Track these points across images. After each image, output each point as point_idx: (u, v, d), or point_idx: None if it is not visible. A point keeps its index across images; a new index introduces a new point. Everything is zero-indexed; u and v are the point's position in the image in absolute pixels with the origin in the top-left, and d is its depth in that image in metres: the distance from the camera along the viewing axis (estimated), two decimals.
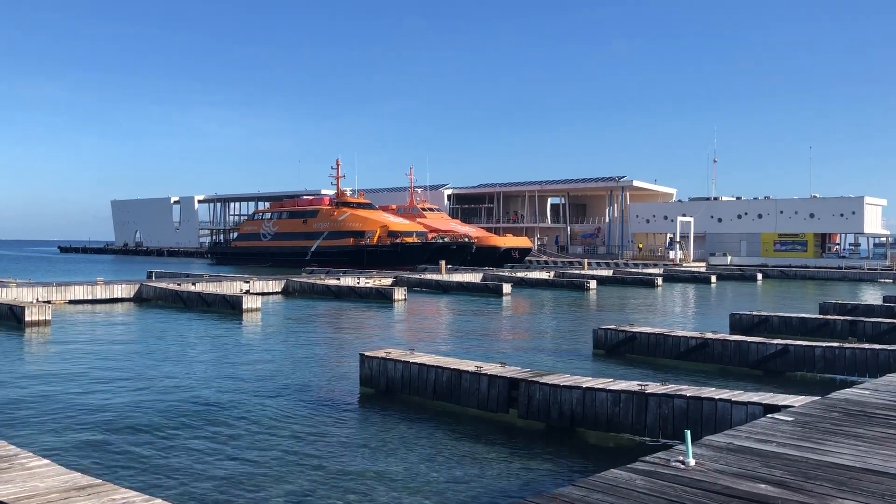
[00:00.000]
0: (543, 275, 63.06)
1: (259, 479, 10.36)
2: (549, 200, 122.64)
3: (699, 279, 67.79)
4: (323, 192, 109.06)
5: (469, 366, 15.00)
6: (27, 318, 27.76)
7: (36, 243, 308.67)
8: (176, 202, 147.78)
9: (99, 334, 26.77)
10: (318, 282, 46.91)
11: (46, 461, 8.63)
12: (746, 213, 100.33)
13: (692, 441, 7.67)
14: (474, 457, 11.65)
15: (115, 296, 39.53)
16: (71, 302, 37.49)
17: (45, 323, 28.08)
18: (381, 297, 42.25)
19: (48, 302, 33.34)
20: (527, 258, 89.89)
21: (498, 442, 12.52)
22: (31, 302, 31.29)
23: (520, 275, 61.24)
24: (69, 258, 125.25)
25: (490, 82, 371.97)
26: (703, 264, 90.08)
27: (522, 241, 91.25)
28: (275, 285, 46.51)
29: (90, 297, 38.61)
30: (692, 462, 7.45)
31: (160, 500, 7.26)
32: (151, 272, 52.77)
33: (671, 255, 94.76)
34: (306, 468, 10.91)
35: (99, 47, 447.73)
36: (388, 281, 52.06)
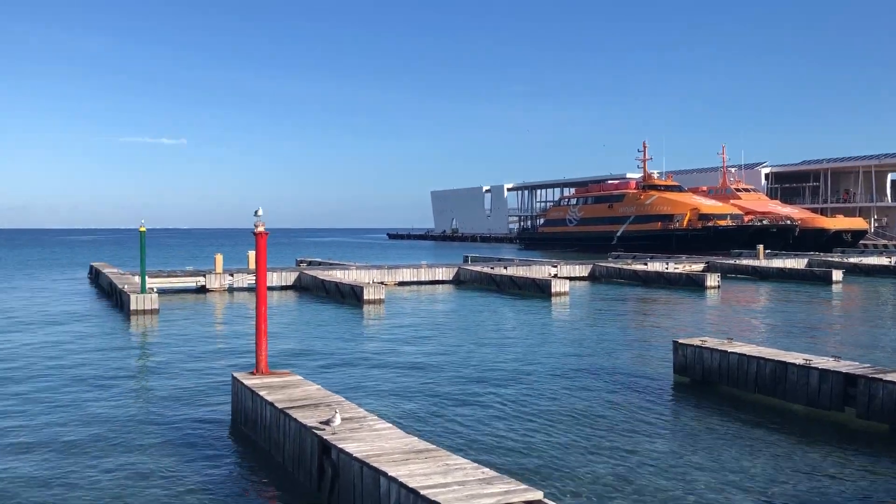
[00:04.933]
0: (883, 260, 55.60)
1: (573, 460, 10.63)
2: (889, 176, 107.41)
3: None
4: (628, 175, 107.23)
5: (796, 358, 13.83)
6: (365, 297, 31.44)
7: (368, 231, 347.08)
8: (487, 191, 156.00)
9: (424, 312, 29.37)
10: (626, 267, 46.43)
11: (388, 424, 9.74)
12: None
13: None
14: (801, 457, 10.74)
15: (437, 278, 43.00)
16: (400, 283, 41.59)
17: (380, 301, 31.54)
18: (692, 284, 40.53)
19: (382, 283, 37.35)
20: (861, 242, 79.84)
21: (830, 443, 11.39)
22: (368, 283, 35.32)
23: (853, 260, 54.54)
24: (396, 244, 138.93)
25: (821, 50, 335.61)
26: None
27: (856, 223, 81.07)
28: (581, 270, 47.00)
29: (416, 279, 42.48)
30: None
31: (488, 469, 7.81)
32: (467, 257, 56.38)
33: None
34: (619, 451, 10.94)
35: (417, 52, 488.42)
36: (699, 266, 49.76)
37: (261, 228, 13.27)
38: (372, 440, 8.82)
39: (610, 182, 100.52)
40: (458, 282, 42.68)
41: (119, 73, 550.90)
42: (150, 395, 15.04)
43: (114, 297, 32.21)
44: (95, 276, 43.49)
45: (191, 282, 37.19)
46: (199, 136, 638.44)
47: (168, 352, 20.07)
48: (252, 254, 41.23)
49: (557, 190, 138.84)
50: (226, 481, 9.91)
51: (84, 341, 21.93)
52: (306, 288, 38.05)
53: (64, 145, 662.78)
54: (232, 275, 37.90)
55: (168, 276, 36.96)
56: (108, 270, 39.84)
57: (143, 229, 29.93)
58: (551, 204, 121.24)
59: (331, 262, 50.32)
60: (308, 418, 9.74)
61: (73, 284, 43.64)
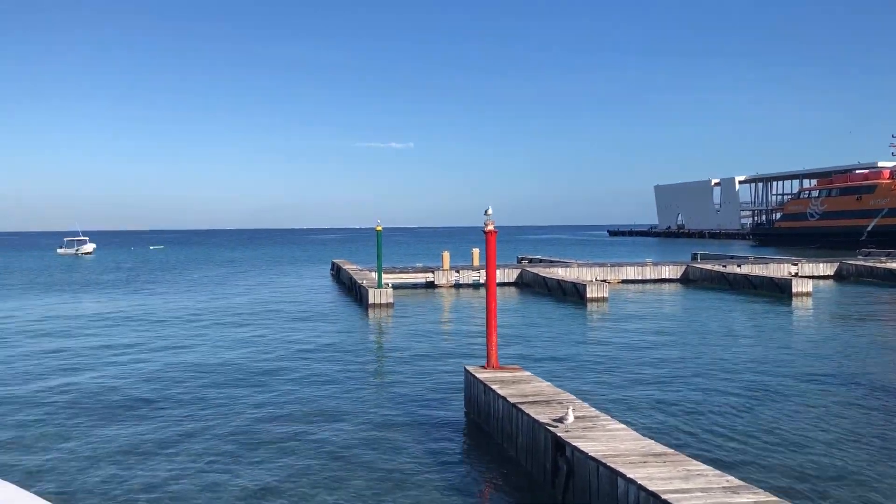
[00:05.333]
0: None
1: (824, 472, 9.77)
2: None
3: None
4: (880, 164, 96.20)
5: None
6: (588, 295, 31.15)
7: (587, 228, 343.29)
8: (716, 184, 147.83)
9: (650, 312, 28.48)
10: (879, 265, 41.75)
11: (622, 425, 9.57)
12: None
13: None
14: None
15: (663, 276, 41.53)
16: (623, 281, 40.70)
17: (603, 300, 31.08)
18: None
19: (604, 281, 36.78)
20: None
21: None
22: (591, 281, 34.96)
23: None
24: (618, 241, 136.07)
25: None
26: None
27: None
28: (826, 268, 43.04)
29: (640, 278, 41.35)
30: None
31: (733, 477, 7.41)
32: (696, 254, 53.87)
33: None
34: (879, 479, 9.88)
35: (640, 41, 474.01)
36: None
37: (490, 227, 13.62)
38: (606, 440, 8.72)
39: (858, 172, 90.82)
40: (687, 280, 40.90)
41: (353, 83, 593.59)
42: (391, 380, 16.06)
43: (353, 292, 34.77)
44: (337, 272, 47.22)
45: (420, 278, 39.12)
46: (425, 139, 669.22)
47: (404, 343, 21.30)
48: (477, 251, 42.47)
49: (795, 182, 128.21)
50: (461, 469, 10.32)
51: (329, 331, 23.90)
52: (528, 284, 38.49)
53: (309, 151, 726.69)
54: (458, 271, 39.32)
55: (400, 273, 39.17)
56: (348, 267, 43.07)
57: (379, 228, 31.98)
58: (789, 197, 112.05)
59: (552, 259, 50.50)
60: (540, 414, 9.85)
61: (318, 279, 47.72)
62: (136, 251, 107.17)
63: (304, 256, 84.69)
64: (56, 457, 11.00)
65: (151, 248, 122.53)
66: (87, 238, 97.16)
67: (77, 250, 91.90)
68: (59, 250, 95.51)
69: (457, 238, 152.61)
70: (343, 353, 19.68)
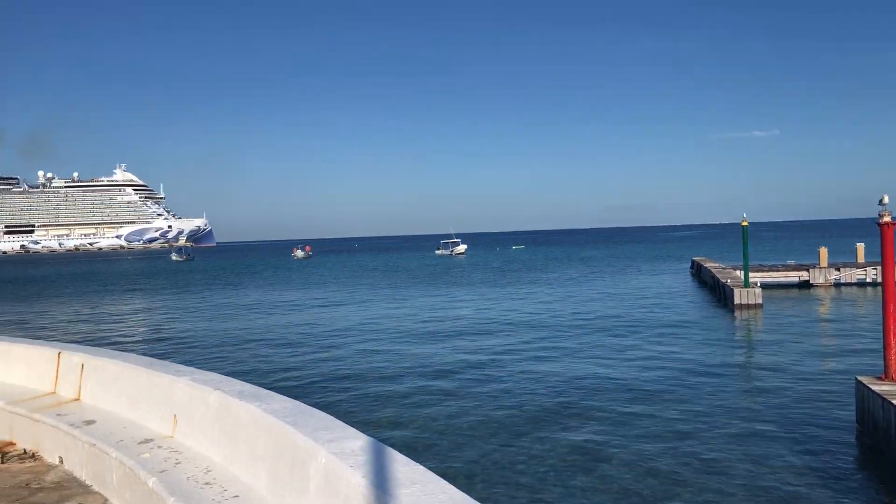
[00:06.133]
0: None
1: None
2: None
3: None
4: None
5: None
6: None
7: None
8: None
9: None
10: None
11: None
12: None
13: None
14: None
15: None
16: None
17: None
18: None
19: None
20: None
21: None
22: None
23: None
24: None
25: None
26: None
27: None
28: None
29: None
30: None
31: None
32: None
33: None
34: None
35: None
36: None
37: (887, 218, 11.96)
38: None
39: None
40: None
41: (703, 72, 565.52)
42: (765, 390, 14.95)
43: (716, 291, 33.11)
44: (697, 270, 45.43)
45: (792, 276, 35.84)
46: (793, 126, 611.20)
47: (776, 348, 19.69)
48: (861, 246, 37.68)
49: None
50: (856, 498, 9.17)
51: (694, 333, 23.05)
52: None
53: (658, 146, 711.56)
54: (838, 269, 35.23)
55: (769, 271, 36.30)
56: (710, 265, 41.16)
57: (745, 223, 30.02)
58: None
59: None
60: None
61: (676, 277, 46.40)
62: (501, 251, 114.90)
63: (659, 254, 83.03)
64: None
65: (513, 248, 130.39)
66: (459, 240, 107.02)
67: (452, 251, 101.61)
68: (437, 251, 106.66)
69: (833, 232, 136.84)
70: (708, 357, 18.83)
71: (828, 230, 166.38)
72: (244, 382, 3.98)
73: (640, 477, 9.95)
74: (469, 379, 16.94)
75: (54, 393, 5.44)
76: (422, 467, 2.49)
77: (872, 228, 12.70)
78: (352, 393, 15.86)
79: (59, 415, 4.84)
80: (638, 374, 16.83)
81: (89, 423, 4.59)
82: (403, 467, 2.50)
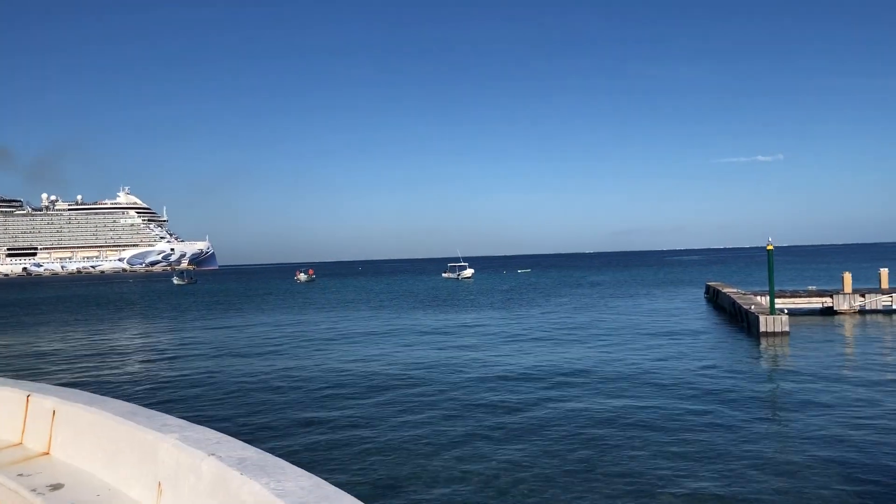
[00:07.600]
0: None
1: None
2: None
3: None
4: None
5: None
6: None
7: None
8: None
9: None
10: None
11: None
12: None
13: None
14: None
15: None
16: None
17: None
18: None
19: None
20: None
21: None
22: None
23: None
24: None
25: None
26: None
27: None
28: None
29: None
30: None
31: None
32: None
33: None
34: None
35: None
36: None
37: None
38: None
39: None
40: None
41: (711, 95, 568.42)
42: (802, 427, 13.83)
43: (739, 318, 31.98)
44: (714, 295, 44.29)
45: (815, 302, 34.72)
46: (798, 150, 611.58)
47: (811, 380, 18.58)
48: (885, 271, 36.62)
49: None
50: None
51: (718, 362, 21.94)
52: None
53: (663, 171, 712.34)
54: (863, 295, 34.10)
55: (791, 296, 35.18)
56: (729, 290, 40.02)
57: (770, 247, 29.00)
58: None
59: None
60: None
61: (690, 302, 45.28)
62: (508, 275, 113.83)
63: (669, 279, 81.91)
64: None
65: (519, 271, 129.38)
66: (466, 263, 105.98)
67: (458, 275, 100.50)
68: (443, 275, 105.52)
69: (850, 257, 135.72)
70: (737, 391, 17.71)
71: (842, 254, 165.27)
72: (246, 445, 3.17)
73: None
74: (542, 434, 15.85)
75: (21, 444, 4.68)
76: None
77: (890, 252, 11.65)
78: (388, 456, 14.74)
79: (20, 475, 4.05)
80: (686, 406, 15.72)
81: (56, 487, 3.84)
82: None
